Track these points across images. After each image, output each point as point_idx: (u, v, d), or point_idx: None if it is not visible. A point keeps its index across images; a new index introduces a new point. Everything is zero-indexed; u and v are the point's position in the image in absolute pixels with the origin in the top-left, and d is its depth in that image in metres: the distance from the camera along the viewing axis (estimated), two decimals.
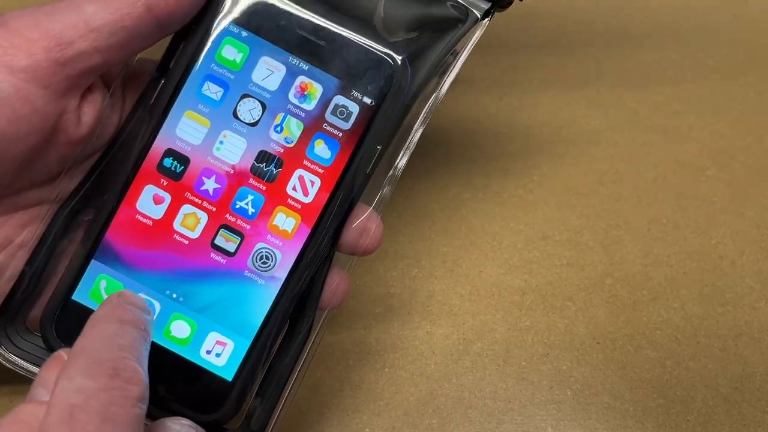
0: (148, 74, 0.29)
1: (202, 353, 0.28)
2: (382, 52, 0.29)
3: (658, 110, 0.44)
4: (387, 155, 0.29)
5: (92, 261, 0.28)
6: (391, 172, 0.30)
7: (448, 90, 0.30)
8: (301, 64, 0.28)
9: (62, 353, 0.25)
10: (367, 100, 0.29)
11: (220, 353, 0.28)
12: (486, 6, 0.30)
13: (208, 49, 0.28)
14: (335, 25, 0.28)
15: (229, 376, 0.28)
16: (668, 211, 0.41)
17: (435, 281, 0.39)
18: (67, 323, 0.28)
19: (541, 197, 0.41)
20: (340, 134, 0.29)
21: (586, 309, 0.38)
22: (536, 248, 0.40)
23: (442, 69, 0.30)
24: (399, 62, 0.29)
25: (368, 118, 0.29)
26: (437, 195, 0.41)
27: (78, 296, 0.28)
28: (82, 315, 0.27)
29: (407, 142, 0.30)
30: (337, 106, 0.29)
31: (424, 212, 0.40)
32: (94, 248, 0.28)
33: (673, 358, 0.37)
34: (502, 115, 0.43)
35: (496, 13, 0.30)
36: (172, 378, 0.28)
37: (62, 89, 0.26)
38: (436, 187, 0.41)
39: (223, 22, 0.28)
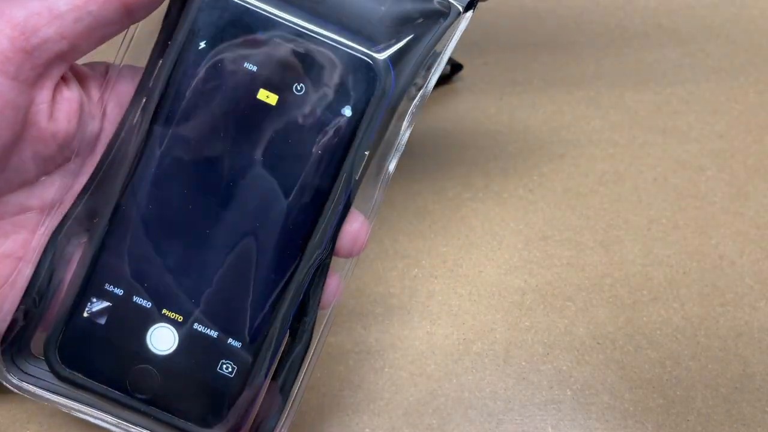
0: (132, 82, 0.28)
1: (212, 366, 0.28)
2: (363, 54, 0.27)
3: (658, 110, 0.44)
4: (376, 159, 0.29)
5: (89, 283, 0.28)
6: (382, 176, 0.29)
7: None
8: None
9: None
10: (351, 108, 0.28)
11: (228, 365, 0.28)
12: None
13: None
14: (314, 30, 0.27)
15: (233, 387, 0.28)
16: (668, 211, 0.41)
17: (435, 281, 0.39)
18: (71, 347, 0.28)
19: (541, 197, 0.41)
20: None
21: (586, 309, 0.38)
22: (536, 248, 0.40)
23: (427, 65, 0.28)
24: (381, 65, 0.27)
25: (353, 125, 0.28)
26: (437, 195, 0.41)
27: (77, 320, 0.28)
28: (84, 338, 0.27)
29: (396, 144, 0.29)
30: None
31: (424, 212, 0.40)
32: (91, 271, 0.28)
33: (673, 358, 0.37)
34: (502, 115, 0.43)
35: (478, 3, 0.29)
36: (177, 389, 0.28)
37: (30, 79, 0.26)
38: (436, 187, 0.41)
39: (198, 35, 0.27)
